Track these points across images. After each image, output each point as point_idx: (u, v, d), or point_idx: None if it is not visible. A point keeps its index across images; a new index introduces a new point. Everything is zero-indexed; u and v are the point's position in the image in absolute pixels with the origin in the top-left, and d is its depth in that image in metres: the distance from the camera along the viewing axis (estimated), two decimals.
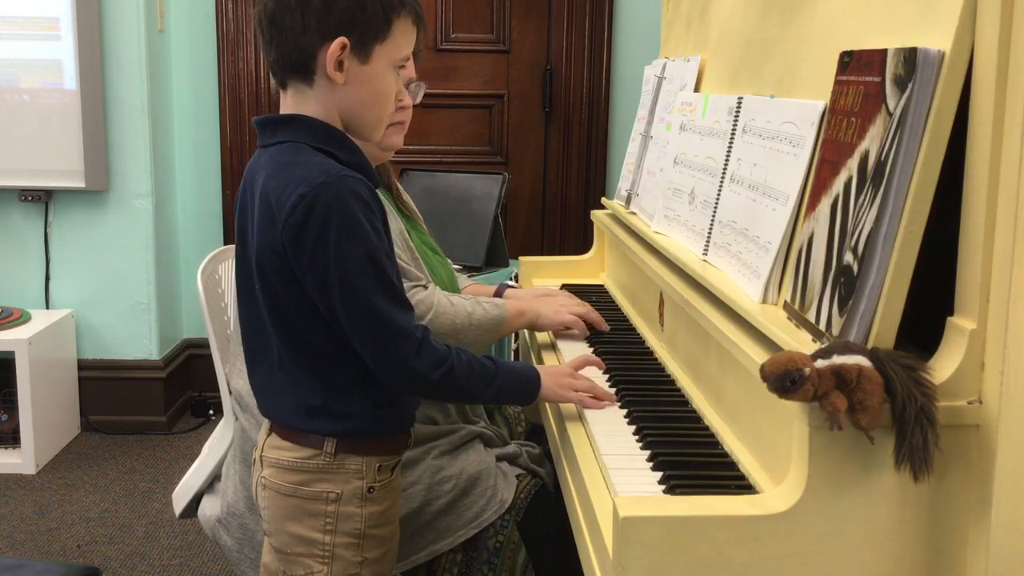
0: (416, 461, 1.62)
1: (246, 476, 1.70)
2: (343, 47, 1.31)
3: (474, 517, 1.62)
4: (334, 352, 1.34)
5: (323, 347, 1.34)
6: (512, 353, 2.79)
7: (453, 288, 1.88)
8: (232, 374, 1.77)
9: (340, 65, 1.32)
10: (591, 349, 1.78)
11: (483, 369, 1.39)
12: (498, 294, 1.98)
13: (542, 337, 1.89)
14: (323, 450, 1.37)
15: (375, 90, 1.36)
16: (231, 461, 1.76)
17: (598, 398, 1.49)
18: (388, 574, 1.46)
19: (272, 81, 3.30)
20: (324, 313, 1.31)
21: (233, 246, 1.45)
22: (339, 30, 1.30)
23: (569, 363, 1.57)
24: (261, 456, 1.42)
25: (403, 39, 1.37)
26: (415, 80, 1.77)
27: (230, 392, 1.83)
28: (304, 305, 1.32)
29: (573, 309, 1.80)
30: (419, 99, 1.79)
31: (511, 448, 1.77)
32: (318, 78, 1.33)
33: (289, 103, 1.37)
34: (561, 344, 1.81)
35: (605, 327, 1.84)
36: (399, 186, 1.94)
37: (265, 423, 1.44)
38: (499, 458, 1.72)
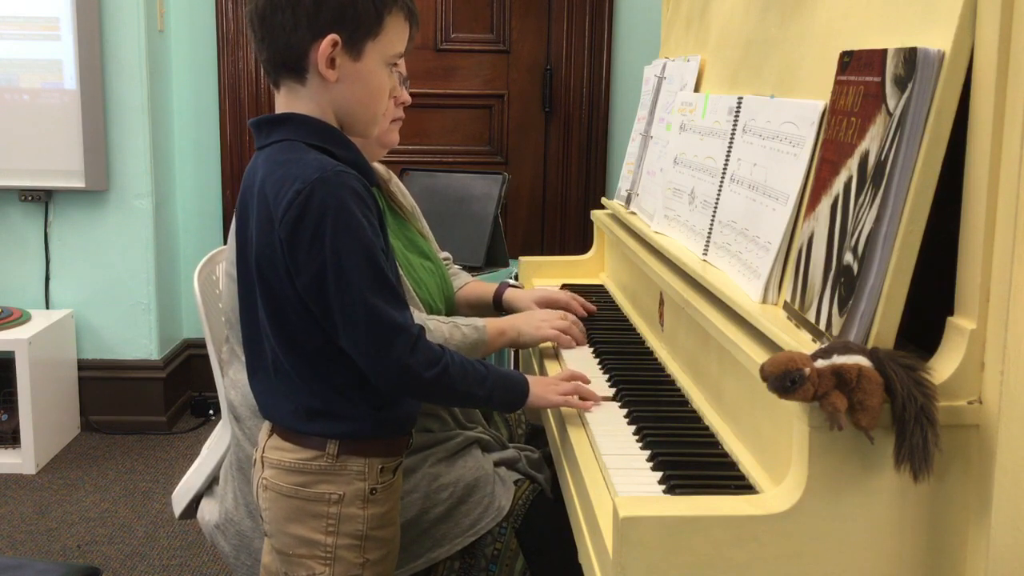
0: (413, 469, 1.61)
1: (243, 484, 1.69)
2: (334, 44, 1.31)
3: (471, 525, 1.62)
4: (334, 353, 1.33)
5: (324, 348, 1.34)
6: (512, 357, 2.79)
7: (444, 294, 1.87)
8: (226, 384, 1.77)
9: (332, 63, 1.31)
10: (592, 349, 1.79)
11: (475, 371, 1.38)
12: (498, 293, 1.98)
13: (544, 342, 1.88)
14: (325, 452, 1.36)
15: (368, 87, 1.36)
16: (228, 467, 1.76)
17: (585, 399, 1.49)
18: (389, 575, 1.46)
19: None
20: (316, 312, 1.30)
21: (227, 247, 1.45)
22: (330, 27, 1.30)
23: (554, 375, 1.57)
24: (262, 457, 1.41)
25: (395, 36, 1.36)
26: (404, 77, 1.77)
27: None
28: (303, 306, 1.31)
29: (555, 324, 1.78)
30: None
31: (510, 452, 1.76)
32: (310, 76, 1.33)
33: (283, 102, 1.37)
34: (564, 351, 1.80)
35: (584, 342, 1.82)
36: (397, 180, 1.94)
37: (266, 424, 1.44)
38: (497, 463, 1.72)
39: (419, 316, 1.67)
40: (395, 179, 1.94)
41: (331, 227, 1.26)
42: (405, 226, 1.87)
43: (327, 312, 1.29)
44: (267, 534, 1.44)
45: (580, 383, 1.51)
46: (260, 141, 1.37)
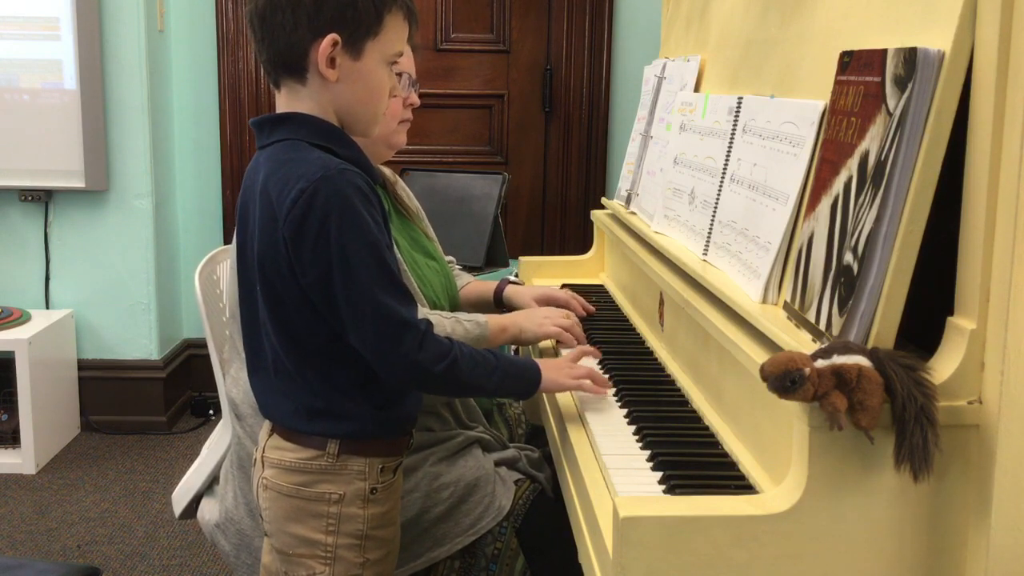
0: (414, 468, 1.62)
1: (244, 483, 1.70)
2: (335, 44, 1.31)
3: (472, 524, 1.62)
4: (336, 352, 1.34)
5: (325, 347, 1.34)
6: (512, 353, 2.79)
7: (448, 294, 1.87)
8: (228, 382, 1.77)
9: (332, 62, 1.32)
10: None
11: (485, 361, 1.38)
12: (499, 290, 1.98)
13: None
14: (326, 451, 1.36)
15: (369, 86, 1.36)
16: (229, 467, 1.76)
17: (597, 383, 1.49)
18: (389, 575, 1.46)
19: None
20: (323, 310, 1.31)
21: (231, 246, 1.45)
22: (330, 27, 1.30)
23: (566, 356, 1.58)
24: (263, 457, 1.41)
25: (395, 35, 1.36)
26: (414, 80, 1.77)
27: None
28: (305, 306, 1.32)
29: (557, 321, 1.78)
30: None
31: (510, 452, 1.76)
32: (311, 76, 1.33)
33: (284, 102, 1.37)
34: (562, 348, 1.80)
35: (584, 342, 1.81)
36: (403, 183, 1.94)
37: (266, 424, 1.44)
38: (498, 463, 1.72)
39: (422, 311, 1.67)
40: (401, 182, 1.94)
41: (336, 225, 1.26)
42: (410, 227, 1.88)
43: (335, 310, 1.30)
44: (267, 533, 1.44)
45: (594, 369, 1.51)
46: (262, 140, 1.37)
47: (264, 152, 1.36)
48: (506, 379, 1.41)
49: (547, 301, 1.93)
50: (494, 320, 1.73)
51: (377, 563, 1.41)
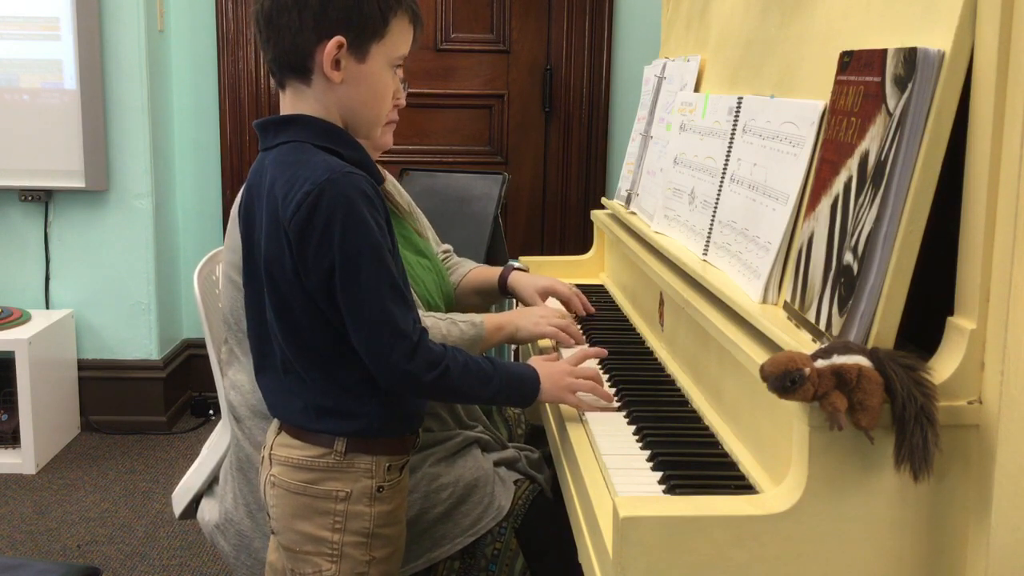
0: (413, 468, 1.61)
1: (243, 484, 1.70)
2: (340, 46, 1.31)
3: (471, 524, 1.62)
4: (343, 352, 1.34)
5: (332, 348, 1.34)
6: (512, 354, 2.79)
7: (441, 291, 1.87)
8: (226, 385, 1.77)
9: (337, 64, 1.32)
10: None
11: (480, 371, 1.38)
12: (504, 276, 1.98)
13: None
14: (333, 449, 1.37)
15: (373, 89, 1.36)
16: (228, 468, 1.76)
17: (599, 395, 1.48)
18: (395, 574, 1.46)
19: (272, 81, 3.30)
20: (326, 310, 1.31)
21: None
22: (336, 29, 1.31)
23: (568, 359, 1.55)
24: (270, 454, 1.42)
25: (400, 38, 1.37)
26: (403, 79, 1.77)
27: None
28: (311, 307, 1.32)
29: (553, 321, 1.77)
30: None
31: (510, 452, 1.76)
32: (315, 77, 1.34)
33: (288, 103, 1.37)
34: (562, 347, 1.80)
35: (582, 340, 1.82)
36: (393, 179, 1.94)
37: (275, 421, 1.44)
38: (497, 463, 1.72)
39: (417, 314, 1.67)
40: (390, 178, 1.94)
41: (340, 228, 1.27)
42: (401, 224, 1.88)
43: (337, 312, 1.30)
44: (274, 531, 1.44)
45: (597, 374, 1.50)
46: (266, 142, 1.38)
47: (269, 154, 1.36)
48: (503, 389, 1.41)
49: (549, 292, 1.94)
50: (490, 319, 1.73)
51: (383, 561, 1.41)
